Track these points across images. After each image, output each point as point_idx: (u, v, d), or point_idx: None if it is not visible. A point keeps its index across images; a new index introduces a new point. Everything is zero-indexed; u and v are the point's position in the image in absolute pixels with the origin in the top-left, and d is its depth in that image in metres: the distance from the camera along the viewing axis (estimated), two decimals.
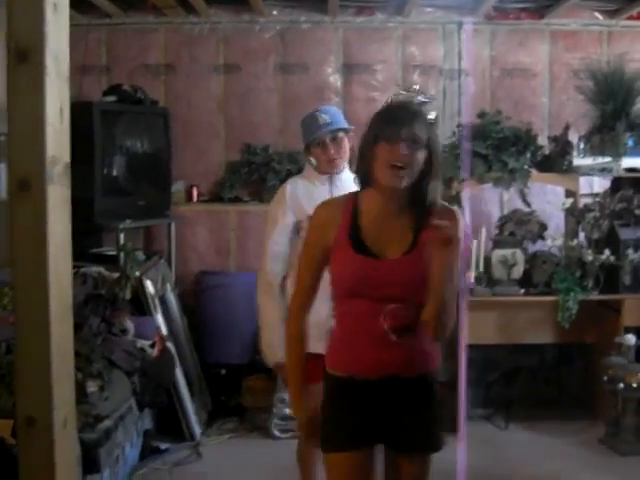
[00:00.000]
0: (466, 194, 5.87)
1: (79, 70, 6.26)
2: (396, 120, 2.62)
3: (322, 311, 2.98)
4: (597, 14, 6.63)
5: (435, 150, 2.67)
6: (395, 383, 2.72)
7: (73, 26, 6.00)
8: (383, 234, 2.71)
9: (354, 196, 2.78)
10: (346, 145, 3.87)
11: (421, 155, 2.62)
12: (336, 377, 2.79)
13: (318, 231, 2.79)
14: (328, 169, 3.86)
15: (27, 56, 1.53)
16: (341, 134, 3.86)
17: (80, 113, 5.71)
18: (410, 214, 2.70)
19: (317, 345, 3.04)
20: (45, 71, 1.54)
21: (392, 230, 2.70)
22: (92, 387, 4.20)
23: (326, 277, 2.79)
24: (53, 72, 1.55)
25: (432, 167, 2.66)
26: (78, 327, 4.50)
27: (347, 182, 3.57)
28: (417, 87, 2.87)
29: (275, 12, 6.53)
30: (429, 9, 6.57)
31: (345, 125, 3.88)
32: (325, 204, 2.88)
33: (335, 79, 6.59)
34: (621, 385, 5.23)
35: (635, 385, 5.21)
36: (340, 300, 2.78)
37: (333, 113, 3.97)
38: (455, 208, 2.79)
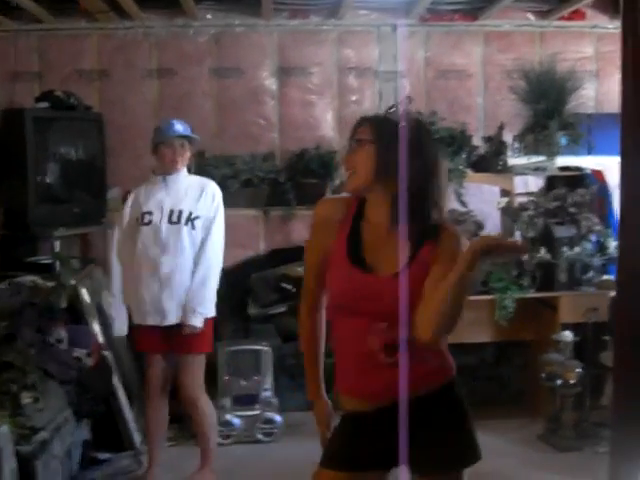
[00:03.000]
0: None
1: (10, 77, 6.21)
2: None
3: None
4: (530, 15, 6.72)
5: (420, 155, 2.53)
6: (394, 410, 2.55)
7: (3, 32, 5.95)
8: (381, 247, 2.58)
9: (357, 202, 2.65)
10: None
11: (363, 156, 2.54)
12: (344, 410, 2.72)
13: (319, 230, 2.68)
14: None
15: None
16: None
17: (12, 120, 5.67)
18: (410, 227, 2.53)
19: None
20: None
21: (391, 244, 2.55)
22: (27, 399, 4.13)
23: None
24: None
25: (427, 177, 2.54)
26: (12, 337, 4.45)
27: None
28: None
29: (209, 16, 6.51)
30: (363, 11, 6.60)
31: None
32: (326, 201, 2.85)
33: (271, 82, 6.58)
34: (559, 382, 5.29)
35: (573, 381, 5.28)
36: (334, 322, 2.68)
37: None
38: (455, 228, 2.65)
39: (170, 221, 4.53)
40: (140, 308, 4.57)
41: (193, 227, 4.54)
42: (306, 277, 2.79)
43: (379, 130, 2.55)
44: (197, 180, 4.74)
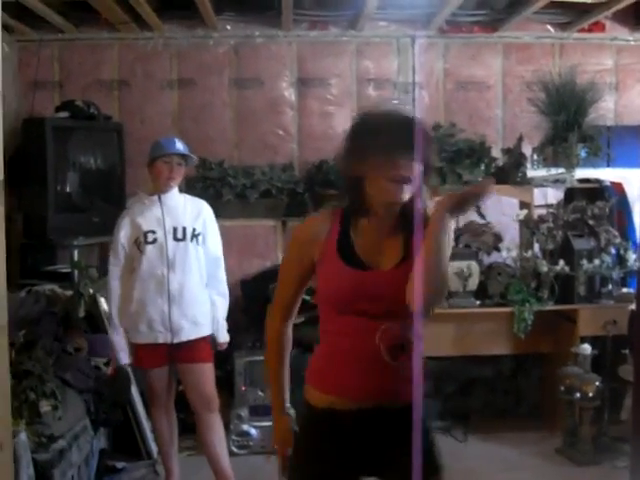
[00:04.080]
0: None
1: (31, 86, 6.23)
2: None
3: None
4: (549, 27, 6.70)
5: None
6: (383, 414, 2.58)
7: (25, 42, 6.02)
8: (375, 246, 2.59)
9: (342, 210, 2.65)
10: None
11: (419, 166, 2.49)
12: (314, 408, 2.69)
13: (301, 248, 2.67)
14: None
15: None
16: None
17: (32, 130, 5.69)
18: (402, 224, 2.55)
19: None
20: None
21: (384, 241, 2.58)
22: (45, 407, 4.13)
23: None
24: None
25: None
26: (31, 346, 4.45)
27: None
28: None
29: (229, 27, 6.52)
30: (382, 23, 6.59)
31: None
32: (309, 220, 2.79)
33: (290, 93, 6.59)
34: (578, 395, 5.26)
35: (591, 395, 5.24)
36: (326, 317, 2.67)
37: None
38: None
39: (175, 238, 4.55)
40: (148, 327, 4.56)
41: (197, 243, 4.60)
42: (284, 293, 2.76)
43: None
44: (191, 198, 4.78)
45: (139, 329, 4.57)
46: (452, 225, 2.47)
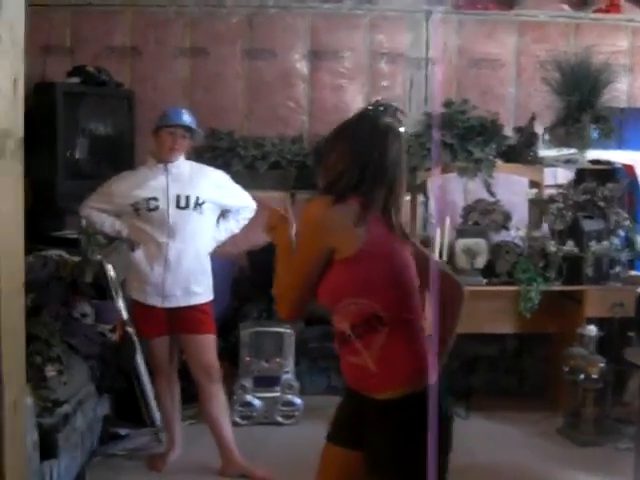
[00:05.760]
0: (431, 183, 5.88)
1: (43, 51, 6.19)
2: None
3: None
4: (565, 6, 6.64)
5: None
6: (360, 399, 2.65)
7: (37, 6, 5.94)
8: None
9: None
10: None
11: None
12: None
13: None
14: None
15: None
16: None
17: (43, 94, 5.66)
18: None
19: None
20: None
21: None
22: (51, 371, 4.13)
23: None
24: (7, 41, 1.50)
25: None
26: (38, 310, 4.46)
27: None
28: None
29: None
30: None
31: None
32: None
33: (302, 65, 6.55)
34: (582, 376, 5.26)
35: (595, 376, 5.24)
36: None
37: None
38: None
39: (178, 206, 4.57)
40: (142, 289, 4.70)
41: (201, 212, 4.62)
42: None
43: None
44: (198, 166, 4.81)
45: (134, 286, 4.76)
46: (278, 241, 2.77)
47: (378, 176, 2.62)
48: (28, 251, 5.11)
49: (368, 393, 2.61)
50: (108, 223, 4.80)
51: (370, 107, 2.79)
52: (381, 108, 2.76)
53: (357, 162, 2.62)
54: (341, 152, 2.66)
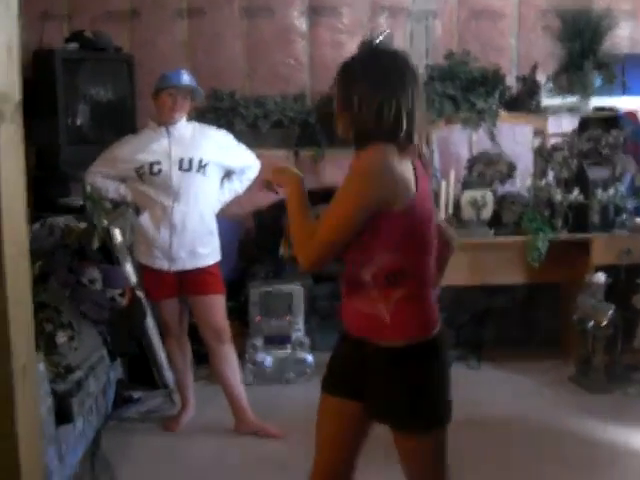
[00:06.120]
0: (435, 135, 5.85)
1: (40, 17, 6.13)
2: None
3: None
4: None
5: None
6: (364, 345, 2.65)
7: None
8: None
9: None
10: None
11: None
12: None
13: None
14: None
15: None
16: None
17: (42, 61, 5.64)
18: None
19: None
20: None
21: None
22: (62, 338, 4.15)
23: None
24: (1, 7, 1.49)
25: None
26: (46, 278, 4.47)
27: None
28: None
29: None
30: None
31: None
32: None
33: (301, 22, 6.48)
34: (591, 324, 5.28)
35: (605, 324, 5.25)
36: None
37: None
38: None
39: (181, 168, 4.56)
40: (150, 253, 4.72)
41: (204, 174, 4.61)
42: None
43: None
44: (200, 127, 4.78)
45: (141, 250, 4.78)
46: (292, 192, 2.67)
47: (414, 114, 2.49)
48: (34, 219, 5.15)
49: (377, 342, 2.60)
50: (113, 188, 4.80)
51: (374, 39, 2.62)
52: (384, 38, 2.62)
53: (391, 102, 2.47)
54: (367, 93, 2.50)
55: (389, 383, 2.60)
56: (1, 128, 1.50)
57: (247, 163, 4.84)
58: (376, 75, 2.52)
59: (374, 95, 2.49)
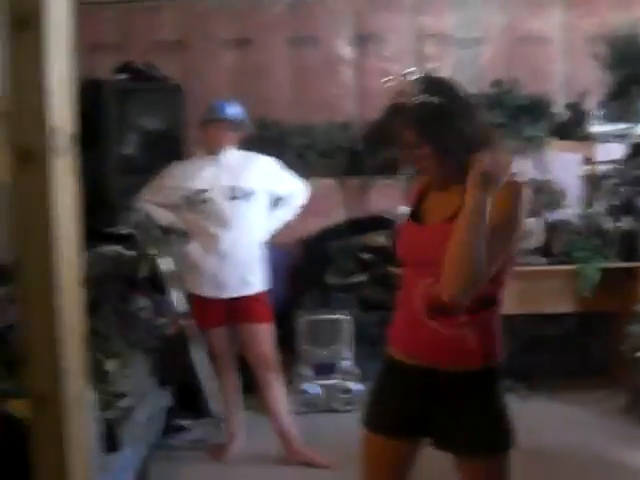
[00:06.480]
0: None
1: (90, 48, 6.23)
2: None
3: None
4: None
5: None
6: (433, 373, 2.58)
7: (83, 4, 5.95)
8: (437, 202, 2.63)
9: None
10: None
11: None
12: (389, 356, 2.72)
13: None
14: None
15: (29, 22, 1.49)
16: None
17: (92, 92, 5.69)
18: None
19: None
20: (48, 38, 1.50)
21: (445, 198, 2.59)
22: (111, 366, 4.19)
23: None
24: (57, 39, 1.51)
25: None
26: (96, 306, 4.51)
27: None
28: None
29: None
30: None
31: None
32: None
33: (347, 51, 6.51)
34: None
35: None
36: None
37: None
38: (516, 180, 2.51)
39: (229, 197, 4.59)
40: (199, 281, 4.75)
41: (252, 201, 4.65)
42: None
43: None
44: (248, 155, 4.79)
45: (190, 278, 4.81)
46: (487, 204, 2.34)
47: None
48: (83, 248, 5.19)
49: (453, 365, 2.56)
50: (162, 216, 4.83)
51: (429, 80, 2.66)
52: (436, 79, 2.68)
53: (468, 136, 2.50)
54: (460, 129, 2.50)
55: (473, 411, 2.57)
56: (57, 162, 1.51)
57: (294, 190, 4.86)
58: (463, 111, 2.57)
59: (467, 130, 2.52)
